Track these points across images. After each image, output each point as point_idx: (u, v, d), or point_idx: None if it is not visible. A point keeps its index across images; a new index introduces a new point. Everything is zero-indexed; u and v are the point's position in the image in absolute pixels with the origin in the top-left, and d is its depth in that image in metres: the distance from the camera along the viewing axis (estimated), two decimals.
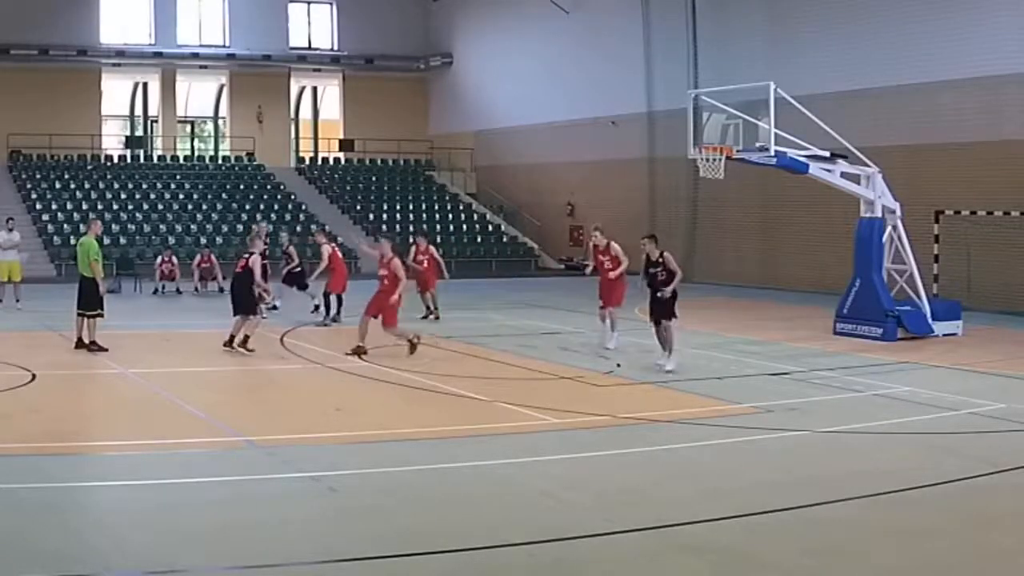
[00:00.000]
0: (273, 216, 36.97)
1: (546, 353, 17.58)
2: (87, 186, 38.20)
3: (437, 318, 22.01)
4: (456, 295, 25.92)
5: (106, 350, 16.83)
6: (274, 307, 21.84)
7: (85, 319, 17.10)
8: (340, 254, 22.56)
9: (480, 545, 7.93)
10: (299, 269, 22.94)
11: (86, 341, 17.00)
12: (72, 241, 27.52)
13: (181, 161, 42.21)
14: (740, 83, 22.05)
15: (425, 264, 22.47)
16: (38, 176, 38.30)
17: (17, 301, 23.27)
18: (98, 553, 7.65)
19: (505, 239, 39.88)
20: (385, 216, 39.65)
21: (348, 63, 44.62)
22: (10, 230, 24.36)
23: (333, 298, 21.61)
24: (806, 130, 20.00)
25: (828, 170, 19.95)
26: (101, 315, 17.20)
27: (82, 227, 20.31)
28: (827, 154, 19.94)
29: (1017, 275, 23.94)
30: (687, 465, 10.59)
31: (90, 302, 17.09)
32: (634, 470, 10.38)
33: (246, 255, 17.70)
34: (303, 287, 22.73)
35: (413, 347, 16.98)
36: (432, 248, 23.26)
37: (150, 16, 41.91)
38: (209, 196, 38.97)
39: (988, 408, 13.17)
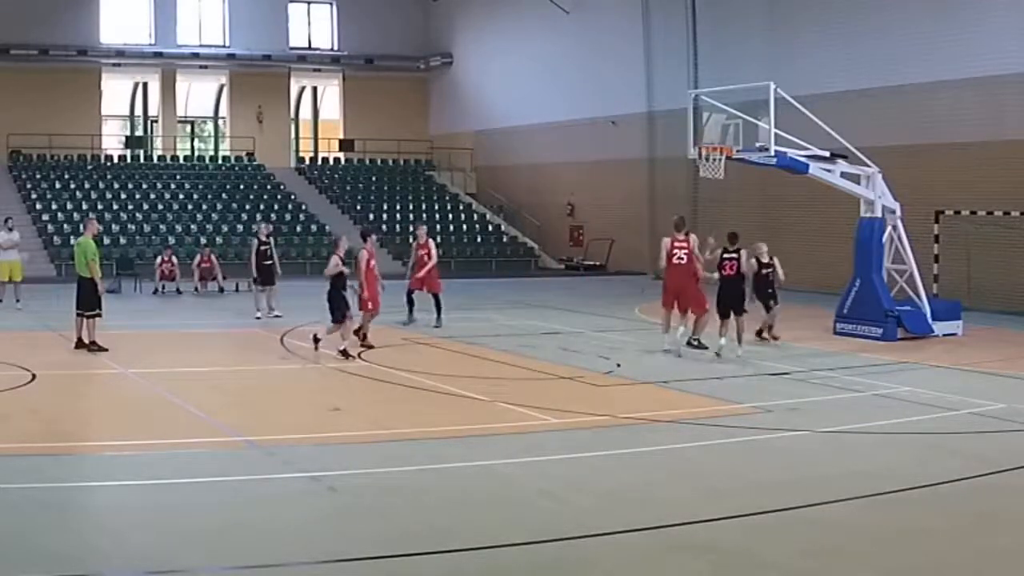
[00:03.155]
0: (273, 216, 36.96)
1: (546, 353, 17.57)
2: (87, 186, 38.19)
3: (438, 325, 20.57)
4: (456, 295, 25.86)
5: (106, 350, 16.83)
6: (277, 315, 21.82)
7: (84, 319, 17.11)
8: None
9: (480, 545, 7.93)
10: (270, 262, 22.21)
11: (86, 341, 17.01)
12: (72, 241, 27.48)
13: (181, 161, 42.19)
14: (740, 83, 22.01)
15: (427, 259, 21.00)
16: (38, 176, 38.29)
17: (17, 301, 23.27)
18: (98, 553, 7.65)
19: (505, 239, 39.86)
20: (385, 216, 39.62)
21: (348, 63, 44.63)
22: (10, 230, 24.37)
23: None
24: (806, 130, 19.98)
25: (828, 170, 19.94)
26: (99, 315, 17.20)
27: (82, 227, 20.30)
28: (827, 154, 19.93)
29: (1017, 275, 23.92)
30: (687, 465, 10.58)
31: (88, 302, 17.09)
32: (634, 470, 10.37)
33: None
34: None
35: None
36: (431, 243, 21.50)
37: (150, 16, 41.91)
38: (209, 196, 38.95)
39: (988, 408, 13.16)
